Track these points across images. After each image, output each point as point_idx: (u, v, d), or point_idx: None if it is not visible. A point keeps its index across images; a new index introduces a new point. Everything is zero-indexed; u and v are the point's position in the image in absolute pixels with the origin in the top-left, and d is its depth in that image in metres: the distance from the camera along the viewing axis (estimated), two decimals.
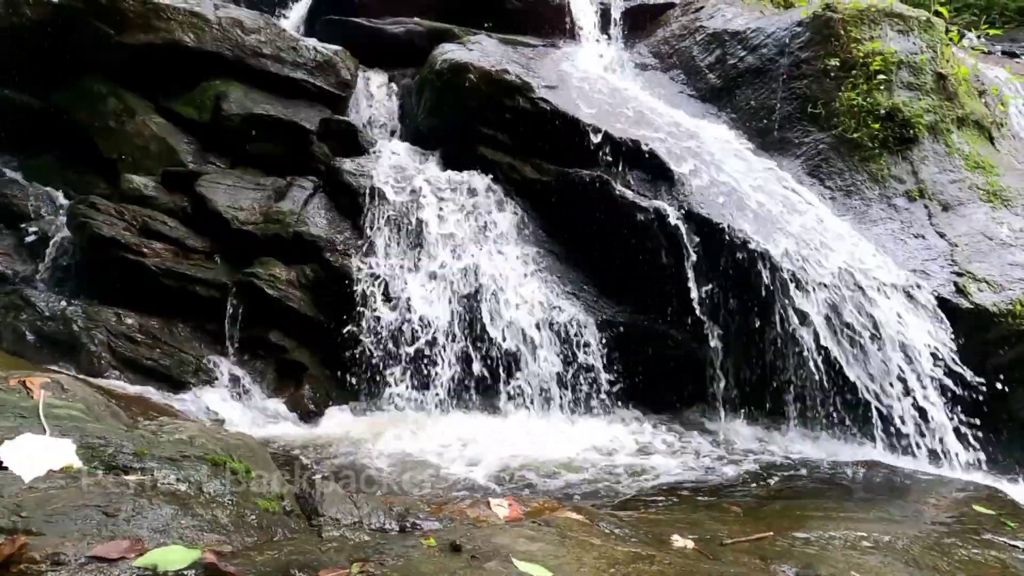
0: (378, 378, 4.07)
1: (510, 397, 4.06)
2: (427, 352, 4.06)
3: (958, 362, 3.74)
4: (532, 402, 4.06)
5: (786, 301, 3.93)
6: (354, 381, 4.12)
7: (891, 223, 4.41)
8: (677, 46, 5.75)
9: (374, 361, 4.09)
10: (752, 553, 2.07)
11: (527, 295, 4.23)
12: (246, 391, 4.02)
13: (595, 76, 5.35)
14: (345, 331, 4.14)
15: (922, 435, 3.68)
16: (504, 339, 4.10)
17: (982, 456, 3.65)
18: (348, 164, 4.67)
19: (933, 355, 3.74)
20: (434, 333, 4.09)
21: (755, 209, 4.21)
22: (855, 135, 4.69)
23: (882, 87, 4.75)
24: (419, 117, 5.32)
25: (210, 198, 4.44)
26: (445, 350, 4.07)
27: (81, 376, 3.46)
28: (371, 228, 4.38)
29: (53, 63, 5.11)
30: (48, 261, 4.40)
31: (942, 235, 4.28)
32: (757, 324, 4.06)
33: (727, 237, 4.06)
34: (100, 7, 4.96)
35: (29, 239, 4.56)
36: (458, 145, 4.94)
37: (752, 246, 3.99)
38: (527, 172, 4.72)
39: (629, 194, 4.34)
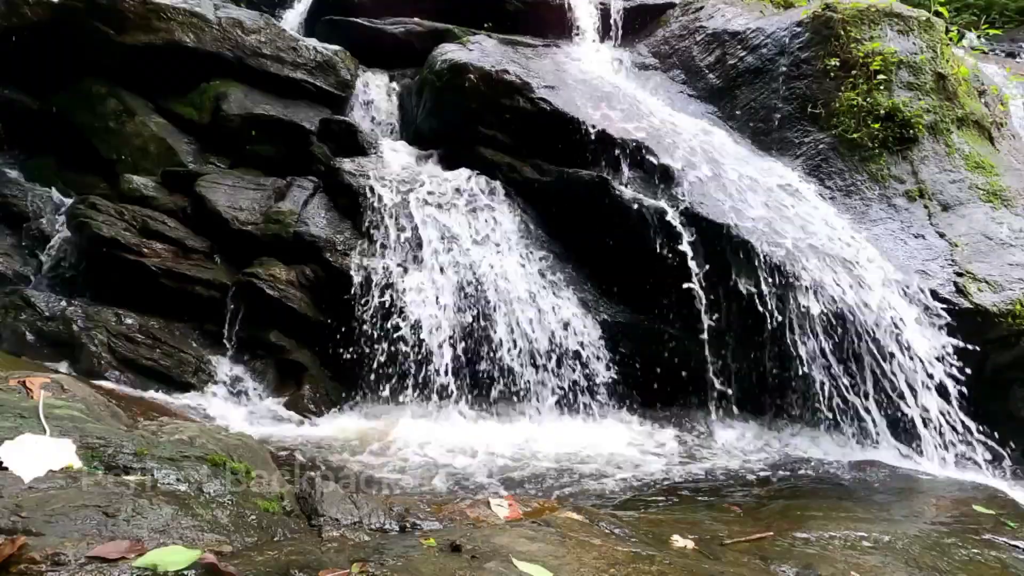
0: (378, 378, 4.07)
1: (510, 397, 4.06)
2: (427, 352, 4.06)
3: (958, 362, 3.74)
4: (532, 402, 4.06)
5: (786, 300, 3.92)
6: (354, 381, 4.12)
7: (891, 223, 4.40)
8: (677, 46, 5.75)
9: (374, 361, 4.08)
10: (752, 553, 2.07)
11: (527, 295, 4.23)
12: (246, 391, 4.02)
13: (595, 76, 5.35)
14: (345, 331, 4.13)
15: (923, 435, 3.68)
16: (504, 339, 4.10)
17: (982, 456, 3.65)
18: (348, 164, 4.67)
19: (933, 355, 3.74)
20: (434, 334, 4.09)
21: (755, 209, 4.21)
22: (855, 135, 4.69)
23: (882, 87, 4.75)
24: (419, 117, 5.32)
25: (210, 198, 4.44)
26: (445, 350, 4.07)
27: (81, 376, 3.46)
28: (371, 228, 4.37)
29: (53, 63, 5.11)
30: (48, 261, 4.40)
31: (942, 235, 4.28)
32: (757, 323, 4.06)
33: (726, 236, 4.06)
34: (100, 7, 4.96)
35: (29, 239, 4.56)
36: (458, 145, 4.94)
37: (752, 246, 3.99)
38: (527, 172, 4.72)
39: (629, 194, 4.34)
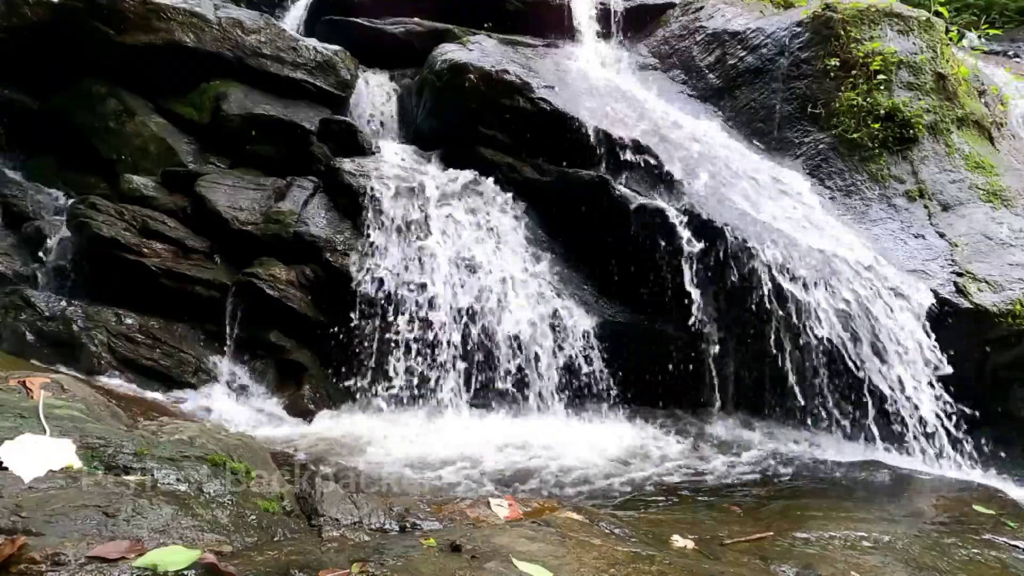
0: (378, 378, 4.07)
1: (509, 397, 4.06)
2: (427, 352, 4.06)
3: (959, 362, 3.74)
4: (532, 402, 4.06)
5: (786, 301, 3.92)
6: (354, 381, 4.11)
7: (891, 223, 4.41)
8: (677, 46, 5.75)
9: (374, 361, 4.08)
10: (752, 553, 2.07)
11: (527, 295, 4.23)
12: (246, 391, 4.01)
13: (595, 76, 5.35)
14: (345, 331, 4.13)
15: (922, 435, 3.68)
16: (504, 339, 4.10)
17: (982, 456, 3.65)
18: (348, 164, 4.67)
19: (933, 355, 3.75)
20: (434, 333, 4.09)
21: (755, 209, 4.21)
22: (855, 135, 4.69)
23: (882, 87, 4.75)
24: (419, 117, 5.32)
25: (210, 198, 4.44)
26: (445, 350, 4.07)
27: (81, 376, 3.46)
28: (371, 228, 4.37)
29: (53, 63, 5.10)
30: (48, 261, 4.40)
31: (942, 235, 4.28)
32: (756, 324, 4.06)
33: (726, 237, 4.06)
34: (100, 7, 4.96)
35: (29, 239, 4.55)
36: (458, 145, 4.94)
37: (752, 246, 3.99)
38: (527, 172, 4.72)
39: (628, 194, 4.34)
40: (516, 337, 4.11)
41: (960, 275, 4.01)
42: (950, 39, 5.61)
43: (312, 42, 5.52)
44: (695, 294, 4.10)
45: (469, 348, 4.11)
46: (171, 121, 5.14)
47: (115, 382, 3.75)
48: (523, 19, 5.94)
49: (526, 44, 5.58)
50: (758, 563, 1.99)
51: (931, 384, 3.71)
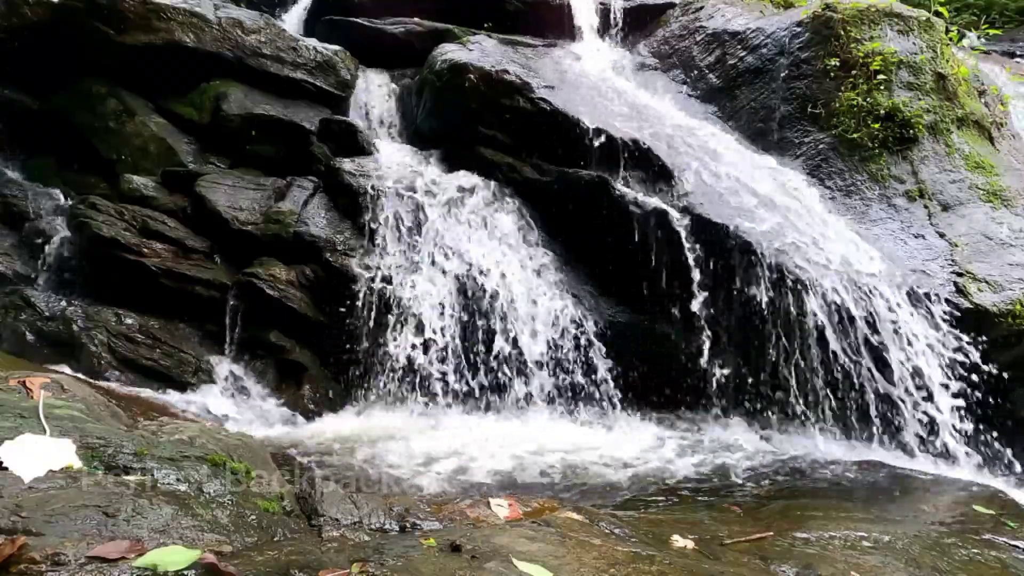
0: (378, 378, 4.07)
1: (510, 397, 4.06)
2: (427, 352, 4.06)
3: (958, 362, 3.74)
4: (532, 403, 4.06)
5: (786, 300, 3.92)
6: (354, 381, 4.12)
7: (891, 223, 4.41)
8: (677, 46, 5.75)
9: (374, 361, 4.09)
10: (752, 553, 2.07)
11: (527, 295, 4.23)
12: (246, 391, 4.01)
13: (595, 76, 5.35)
14: (345, 331, 4.13)
15: (923, 435, 3.68)
16: (504, 339, 4.10)
17: (983, 456, 3.65)
18: (348, 164, 4.67)
19: (933, 355, 3.74)
20: (434, 334, 4.09)
21: (755, 208, 4.21)
22: (855, 135, 4.69)
23: (882, 87, 4.75)
24: (419, 117, 5.32)
25: (210, 198, 4.44)
26: (445, 351, 4.07)
27: (81, 376, 3.46)
28: (371, 228, 4.38)
29: (53, 63, 5.10)
30: (48, 261, 4.40)
31: (942, 235, 4.28)
32: (757, 323, 4.06)
33: (726, 236, 4.06)
34: (100, 7, 4.96)
35: (29, 239, 4.55)
36: (458, 145, 4.94)
37: (752, 245, 3.99)
38: (527, 172, 4.73)
39: (628, 194, 4.34)
40: (516, 337, 4.11)
41: (960, 275, 4.01)
42: (950, 39, 5.60)
43: (312, 42, 5.52)
44: (696, 293, 4.09)
45: (468, 348, 4.11)
46: (171, 121, 5.14)
47: (115, 382, 3.75)
48: (523, 19, 5.94)
49: (526, 44, 5.58)
50: (758, 563, 1.99)
51: (932, 384, 3.71)
